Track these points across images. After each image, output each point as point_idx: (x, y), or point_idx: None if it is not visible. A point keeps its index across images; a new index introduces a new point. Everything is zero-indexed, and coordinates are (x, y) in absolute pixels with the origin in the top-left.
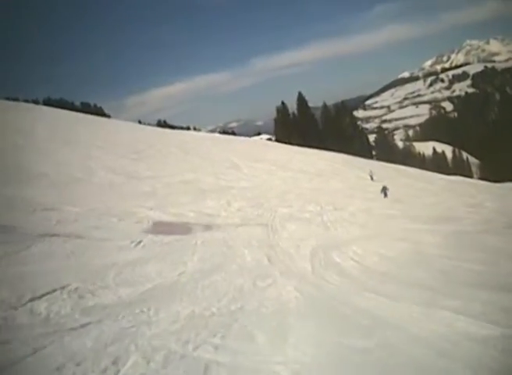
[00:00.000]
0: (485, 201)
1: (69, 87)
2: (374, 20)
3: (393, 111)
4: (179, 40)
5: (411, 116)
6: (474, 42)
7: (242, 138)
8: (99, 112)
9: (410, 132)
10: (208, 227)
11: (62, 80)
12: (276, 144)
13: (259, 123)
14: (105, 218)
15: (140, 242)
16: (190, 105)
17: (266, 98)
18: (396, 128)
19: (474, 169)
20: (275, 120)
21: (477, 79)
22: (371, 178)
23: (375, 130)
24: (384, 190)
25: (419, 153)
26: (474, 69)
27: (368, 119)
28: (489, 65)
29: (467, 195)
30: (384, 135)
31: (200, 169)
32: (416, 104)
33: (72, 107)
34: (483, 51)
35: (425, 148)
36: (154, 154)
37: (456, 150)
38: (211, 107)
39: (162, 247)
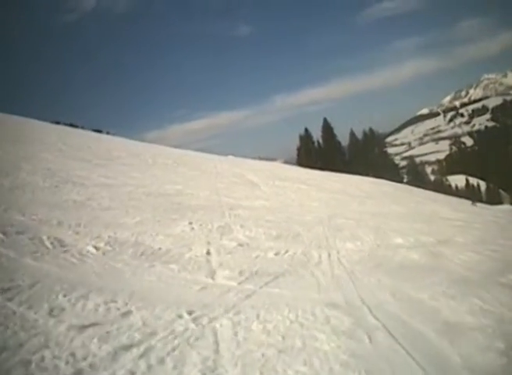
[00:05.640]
0: None
1: (86, 117)
2: (391, 57)
3: (413, 148)
4: (198, 74)
5: (431, 152)
6: (492, 76)
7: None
8: None
9: (435, 166)
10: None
11: (80, 109)
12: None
13: (279, 161)
14: None
15: None
16: (210, 142)
17: (286, 135)
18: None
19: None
20: (298, 149)
21: (496, 112)
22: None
23: (404, 161)
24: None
25: (450, 185)
26: (493, 102)
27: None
28: (508, 98)
29: None
30: (415, 165)
31: (192, 183)
32: (436, 140)
33: None
34: (501, 84)
35: (456, 180)
36: (132, 162)
37: (490, 183)
38: (230, 144)
39: None
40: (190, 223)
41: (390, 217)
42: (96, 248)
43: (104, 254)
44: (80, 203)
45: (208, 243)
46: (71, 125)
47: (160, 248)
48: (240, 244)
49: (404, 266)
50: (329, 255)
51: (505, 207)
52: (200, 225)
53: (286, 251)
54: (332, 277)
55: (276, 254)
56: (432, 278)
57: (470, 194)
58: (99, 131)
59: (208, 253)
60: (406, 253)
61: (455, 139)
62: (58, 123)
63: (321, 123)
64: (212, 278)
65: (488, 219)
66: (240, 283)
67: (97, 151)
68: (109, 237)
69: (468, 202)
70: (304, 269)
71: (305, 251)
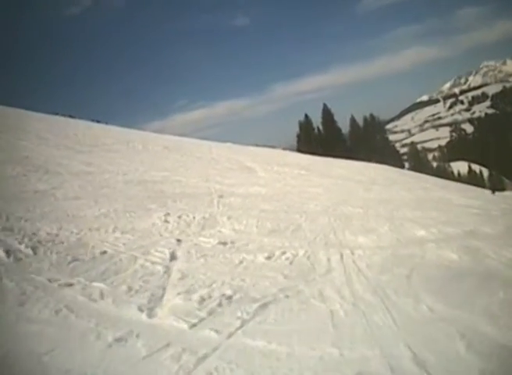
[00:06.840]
0: None
1: (89, 110)
2: (390, 45)
3: (414, 134)
4: (197, 64)
5: (432, 139)
6: (491, 63)
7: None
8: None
9: (436, 153)
10: None
11: (82, 102)
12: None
13: (279, 148)
14: None
15: None
16: (209, 131)
17: (286, 123)
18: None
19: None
20: (298, 136)
21: (496, 99)
22: None
23: (404, 148)
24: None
25: (452, 172)
26: (493, 89)
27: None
28: (508, 85)
29: None
30: (416, 151)
31: (182, 169)
32: (436, 127)
33: None
34: (500, 71)
35: (458, 167)
36: (119, 149)
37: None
38: (230, 134)
39: None
40: (167, 215)
41: (401, 205)
42: (8, 253)
43: (16, 261)
44: (41, 193)
45: (179, 241)
46: (70, 116)
47: (104, 252)
48: (222, 243)
49: (447, 275)
50: (341, 257)
51: (510, 193)
52: (179, 217)
53: (283, 253)
54: (353, 303)
55: (269, 257)
56: (496, 295)
57: (473, 180)
58: (98, 122)
59: (173, 257)
60: (438, 251)
61: (455, 126)
62: (56, 114)
63: (320, 111)
64: (150, 314)
65: (503, 207)
66: (193, 326)
67: (83, 139)
68: (48, 234)
69: (475, 188)
70: (309, 286)
71: (309, 251)
